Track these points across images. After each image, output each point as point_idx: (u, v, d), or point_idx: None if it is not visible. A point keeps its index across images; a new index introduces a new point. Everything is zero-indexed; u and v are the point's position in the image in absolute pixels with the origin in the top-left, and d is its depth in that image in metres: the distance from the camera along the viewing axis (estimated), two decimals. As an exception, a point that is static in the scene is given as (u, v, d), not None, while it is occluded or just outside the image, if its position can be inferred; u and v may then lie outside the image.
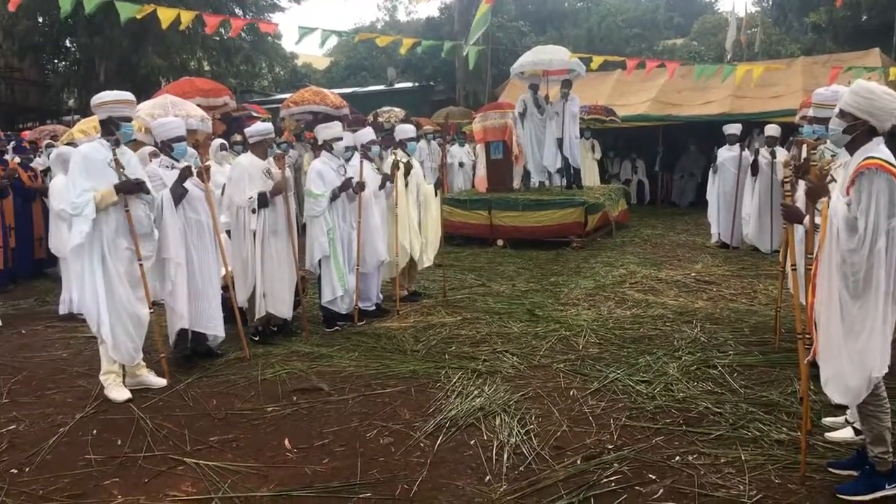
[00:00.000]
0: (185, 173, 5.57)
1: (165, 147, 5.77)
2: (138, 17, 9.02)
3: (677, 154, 18.51)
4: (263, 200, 6.29)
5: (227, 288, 6.15)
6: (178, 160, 5.78)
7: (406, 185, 7.65)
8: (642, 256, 10.61)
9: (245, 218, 6.30)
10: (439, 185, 8.16)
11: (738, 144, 11.09)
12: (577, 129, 12.71)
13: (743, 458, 4.02)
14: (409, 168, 7.58)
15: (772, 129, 10.52)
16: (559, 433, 4.42)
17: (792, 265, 4.43)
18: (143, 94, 14.67)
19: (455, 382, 5.30)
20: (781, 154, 10.20)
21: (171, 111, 9.40)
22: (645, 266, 9.75)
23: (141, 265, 5.21)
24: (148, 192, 5.24)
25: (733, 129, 11.17)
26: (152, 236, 5.35)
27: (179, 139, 5.75)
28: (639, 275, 9.13)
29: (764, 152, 10.53)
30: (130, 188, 5.10)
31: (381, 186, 7.28)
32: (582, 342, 6.28)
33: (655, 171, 18.67)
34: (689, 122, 16.53)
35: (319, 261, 6.79)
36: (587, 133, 16.26)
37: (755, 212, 10.55)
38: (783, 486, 3.72)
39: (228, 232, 6.66)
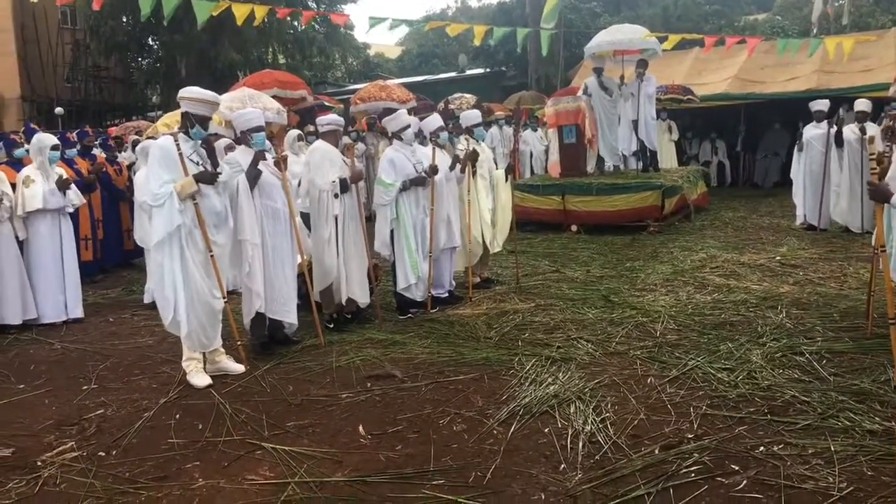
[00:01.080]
0: (259, 157, 5.68)
1: (245, 137, 5.89)
2: (214, 13, 9.23)
3: (760, 133, 17.94)
4: (345, 186, 6.37)
5: (302, 276, 6.24)
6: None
7: (474, 172, 7.63)
8: (723, 240, 10.31)
9: (328, 202, 6.35)
10: (510, 170, 8.10)
11: (825, 121, 10.62)
12: (654, 110, 12.45)
13: (832, 448, 3.84)
14: (474, 156, 7.54)
15: (862, 104, 10.03)
16: (636, 422, 4.32)
17: (881, 247, 4.20)
18: (221, 87, 15.05)
19: (528, 369, 5.25)
20: (872, 130, 9.69)
21: (249, 104, 9.62)
22: (726, 250, 9.48)
23: (212, 256, 5.33)
24: (222, 181, 5.34)
25: (820, 105, 10.71)
26: (228, 224, 5.45)
27: (258, 129, 5.86)
28: (719, 259, 8.88)
29: (853, 128, 10.05)
30: (209, 179, 5.22)
31: (452, 168, 7.26)
32: (659, 328, 6.15)
33: (736, 152, 18.15)
34: (772, 100, 15.99)
35: (393, 248, 6.83)
36: (664, 114, 15.92)
37: (846, 190, 10.11)
38: (876, 479, 3.53)
39: (304, 217, 6.75)
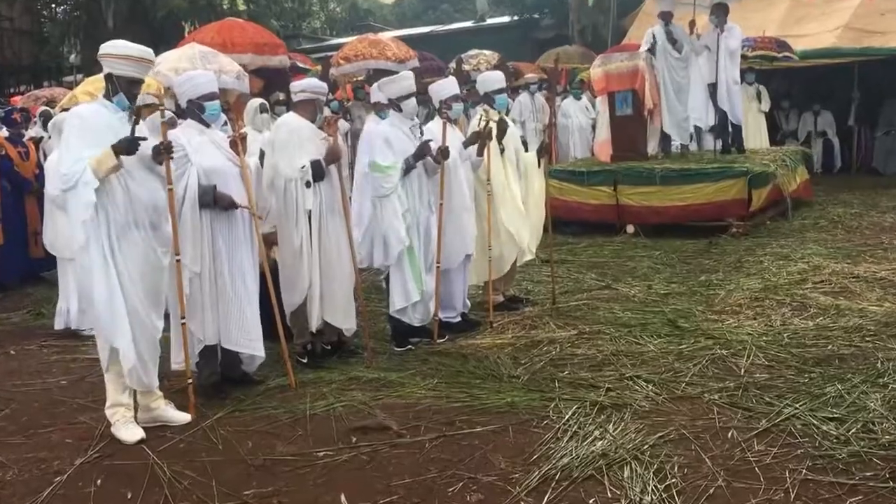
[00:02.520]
0: (227, 203, 5.73)
1: (193, 108, 5.91)
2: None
3: (880, 102, 17.88)
4: (319, 171, 6.37)
5: (266, 294, 6.25)
6: (209, 125, 5.92)
7: (502, 150, 7.63)
8: (831, 245, 10.27)
9: (297, 195, 6.35)
10: (544, 151, 8.10)
11: None
12: (737, 72, 12.45)
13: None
14: (503, 129, 7.53)
15: None
16: (712, 490, 4.30)
17: None
18: (162, 43, 15.16)
19: (568, 419, 5.24)
20: None
21: (200, 65, 9.67)
22: (835, 258, 9.44)
23: (179, 261, 5.38)
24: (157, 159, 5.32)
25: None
26: (166, 227, 5.46)
27: (211, 97, 5.89)
28: (826, 271, 8.84)
29: None
30: (129, 146, 5.10)
31: (467, 145, 7.28)
32: (744, 364, 6.12)
33: (849, 127, 18.05)
34: (896, 57, 15.91)
35: (384, 254, 6.83)
36: (750, 76, 15.85)
37: None
38: None
39: None
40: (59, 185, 5.20)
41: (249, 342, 5.99)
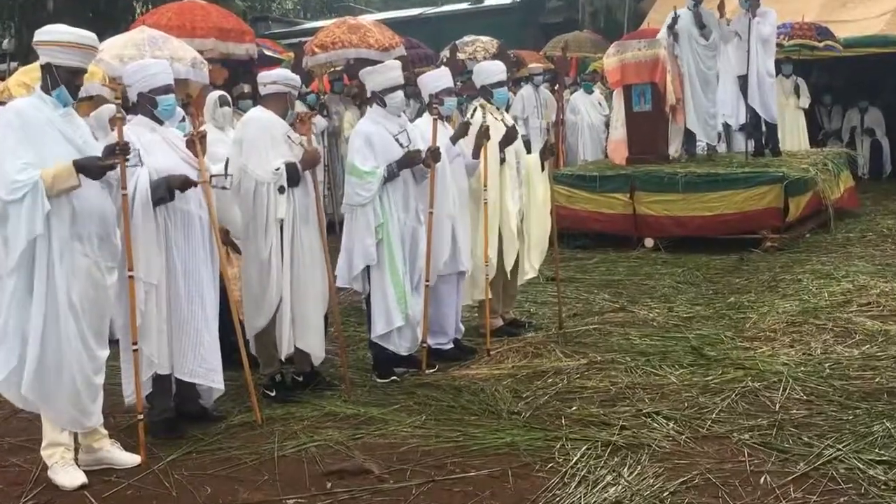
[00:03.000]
0: (180, 182, 5.68)
1: (145, 103, 5.90)
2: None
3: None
4: (294, 175, 6.38)
5: (227, 316, 6.25)
6: (162, 122, 5.92)
7: (503, 159, 7.68)
8: (879, 262, 10.32)
9: (268, 201, 6.34)
10: (549, 153, 8.11)
11: None
12: (772, 62, 12.51)
13: None
14: (510, 137, 7.60)
15: None
16: (742, 544, 4.30)
17: None
18: (110, 28, 15.11)
19: (576, 462, 5.24)
20: None
21: (150, 51, 9.66)
22: (883, 277, 9.48)
23: (131, 278, 5.39)
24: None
25: None
26: (114, 239, 5.44)
27: (166, 90, 5.89)
28: (873, 291, 8.87)
29: None
30: (97, 170, 5.12)
31: (454, 140, 7.29)
32: (780, 399, 6.13)
33: (900, 126, 18.15)
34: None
35: (368, 275, 6.84)
36: (787, 68, 15.97)
37: None
38: None
39: None
40: (2, 192, 5.06)
41: (207, 372, 5.97)
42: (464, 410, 6.23)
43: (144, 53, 9.42)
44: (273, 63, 15.23)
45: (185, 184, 5.73)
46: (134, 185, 5.58)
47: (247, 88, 10.83)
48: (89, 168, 5.08)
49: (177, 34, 11.22)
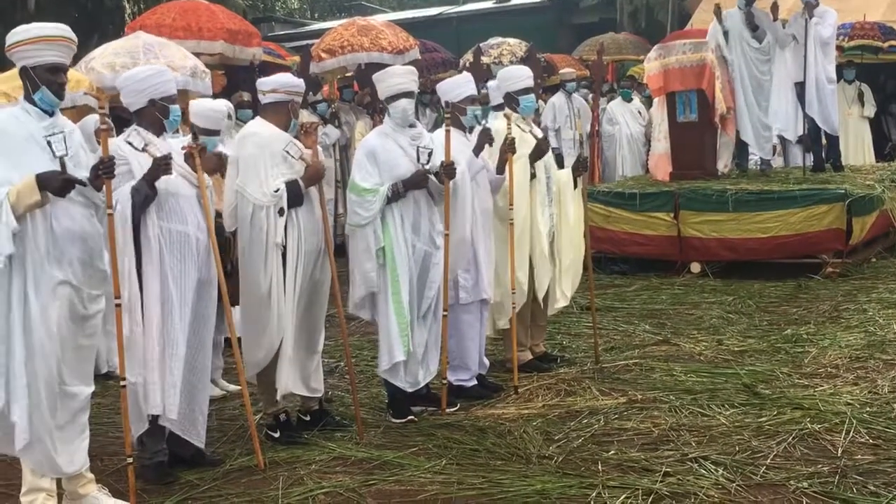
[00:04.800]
0: (160, 168, 5.62)
1: (155, 111, 5.87)
2: None
3: None
4: (297, 194, 6.35)
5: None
6: (163, 132, 5.94)
7: (533, 175, 7.67)
8: (954, 290, 10.27)
9: (268, 225, 6.30)
10: (583, 168, 8.13)
11: None
12: (832, 67, 12.50)
13: None
14: (540, 150, 7.58)
15: None
16: None
17: None
18: (98, 31, 15.12)
19: (615, 512, 5.22)
20: None
21: (144, 58, 9.67)
22: (959, 307, 9.45)
23: (118, 306, 5.34)
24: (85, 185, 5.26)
25: None
26: (100, 264, 5.40)
27: (174, 99, 5.91)
28: (947, 323, 8.85)
29: None
30: (61, 186, 5.05)
31: (477, 152, 7.25)
32: (842, 443, 6.07)
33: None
34: None
35: (375, 304, 6.83)
36: (850, 73, 15.95)
37: None
38: None
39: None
40: None
41: (194, 431, 5.99)
42: (489, 454, 6.19)
43: (139, 61, 9.44)
44: (277, 69, 15.24)
45: (165, 169, 5.62)
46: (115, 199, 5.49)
47: (246, 97, 10.85)
48: (50, 182, 4.97)
49: (183, 36, 11.33)
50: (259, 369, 6.53)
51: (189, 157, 5.89)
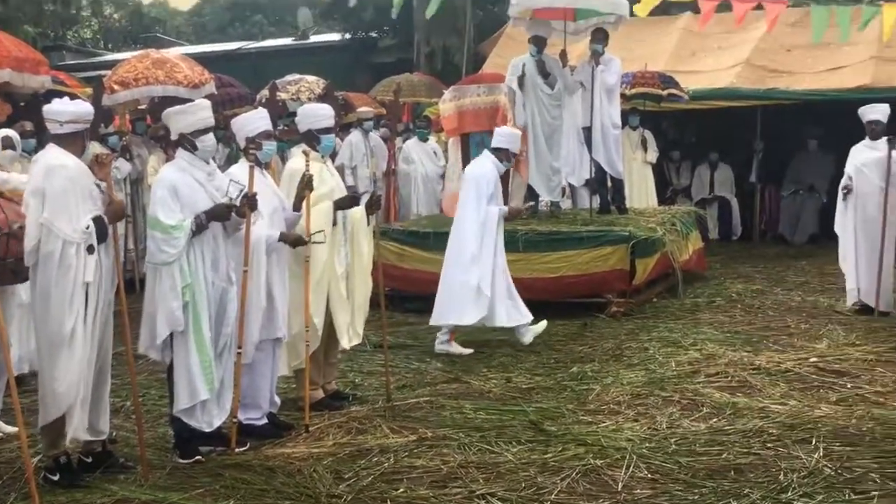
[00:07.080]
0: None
1: None
2: None
3: (787, 154, 18.57)
4: (103, 231, 6.24)
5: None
6: None
7: (335, 222, 7.74)
8: (728, 329, 10.64)
9: (77, 263, 6.13)
10: (375, 205, 8.20)
11: (885, 139, 11.02)
12: (617, 113, 12.81)
13: None
14: (352, 201, 7.76)
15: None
16: None
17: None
18: None
19: (403, 550, 5.23)
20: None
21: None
22: (732, 346, 9.77)
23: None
24: None
25: (877, 112, 11.18)
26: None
27: None
28: (722, 360, 9.15)
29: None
30: None
31: (296, 207, 7.31)
32: (623, 477, 6.24)
33: (750, 184, 18.71)
34: (806, 102, 16.65)
35: (171, 342, 6.73)
36: (634, 119, 16.43)
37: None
38: None
39: None
40: None
41: None
42: (277, 494, 6.16)
43: None
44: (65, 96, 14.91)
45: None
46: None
47: (28, 126, 10.58)
48: None
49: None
50: (56, 416, 6.22)
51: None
